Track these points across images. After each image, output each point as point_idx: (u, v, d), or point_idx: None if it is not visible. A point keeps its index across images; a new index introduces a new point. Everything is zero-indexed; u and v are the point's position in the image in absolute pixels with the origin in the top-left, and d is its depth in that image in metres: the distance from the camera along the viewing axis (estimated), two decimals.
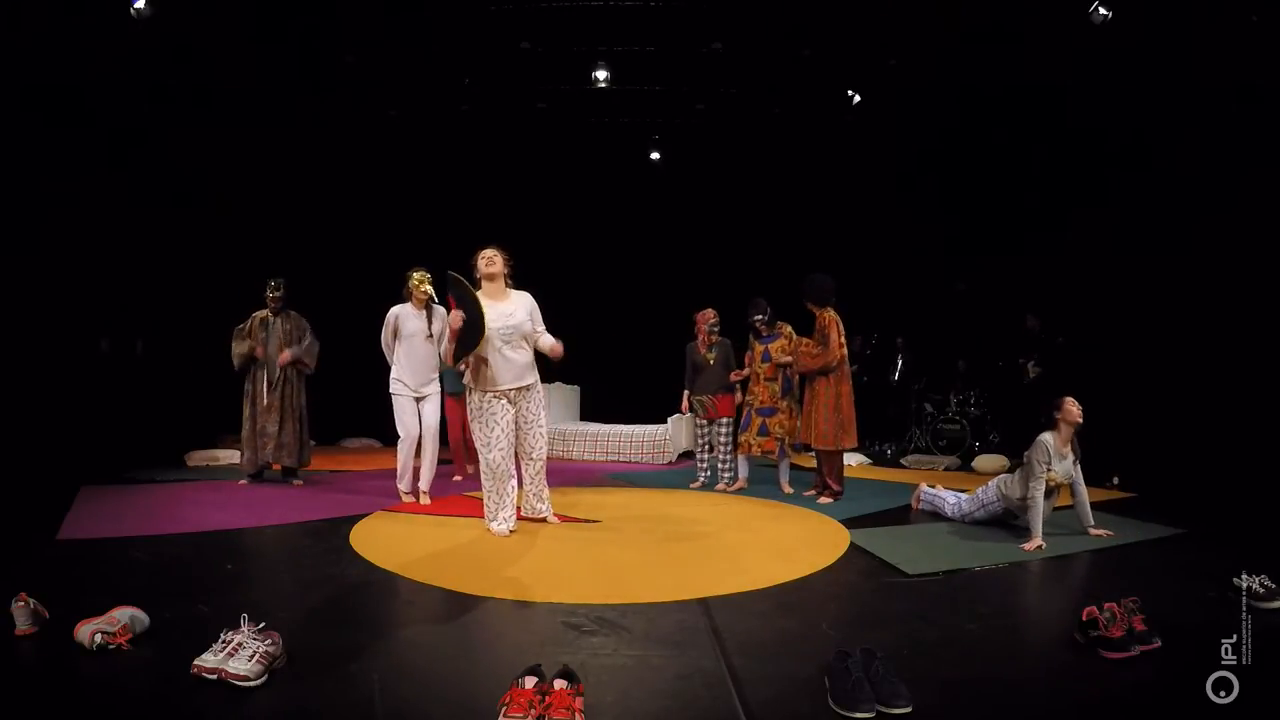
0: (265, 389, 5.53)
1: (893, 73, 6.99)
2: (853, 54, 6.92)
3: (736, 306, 5.74)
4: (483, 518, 4.14)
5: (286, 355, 5.51)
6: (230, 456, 6.85)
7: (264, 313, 5.61)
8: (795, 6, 6.28)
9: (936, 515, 4.59)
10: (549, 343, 4.09)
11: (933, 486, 4.83)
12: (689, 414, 6.03)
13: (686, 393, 5.88)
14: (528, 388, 4.08)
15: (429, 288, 4.88)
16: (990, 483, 4.28)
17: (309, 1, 6.10)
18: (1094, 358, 6.47)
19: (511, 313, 4.00)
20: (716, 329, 5.78)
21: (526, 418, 4.10)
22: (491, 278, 4.06)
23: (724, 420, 5.73)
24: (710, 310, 5.84)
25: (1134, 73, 5.86)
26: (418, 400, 4.96)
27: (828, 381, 5.03)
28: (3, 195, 5.64)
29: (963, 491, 4.58)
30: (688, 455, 7.53)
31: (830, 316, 5.05)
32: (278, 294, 5.58)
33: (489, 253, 4.08)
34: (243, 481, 5.60)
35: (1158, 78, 5.72)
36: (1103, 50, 5.80)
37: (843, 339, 5.06)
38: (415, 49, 6.89)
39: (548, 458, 4.42)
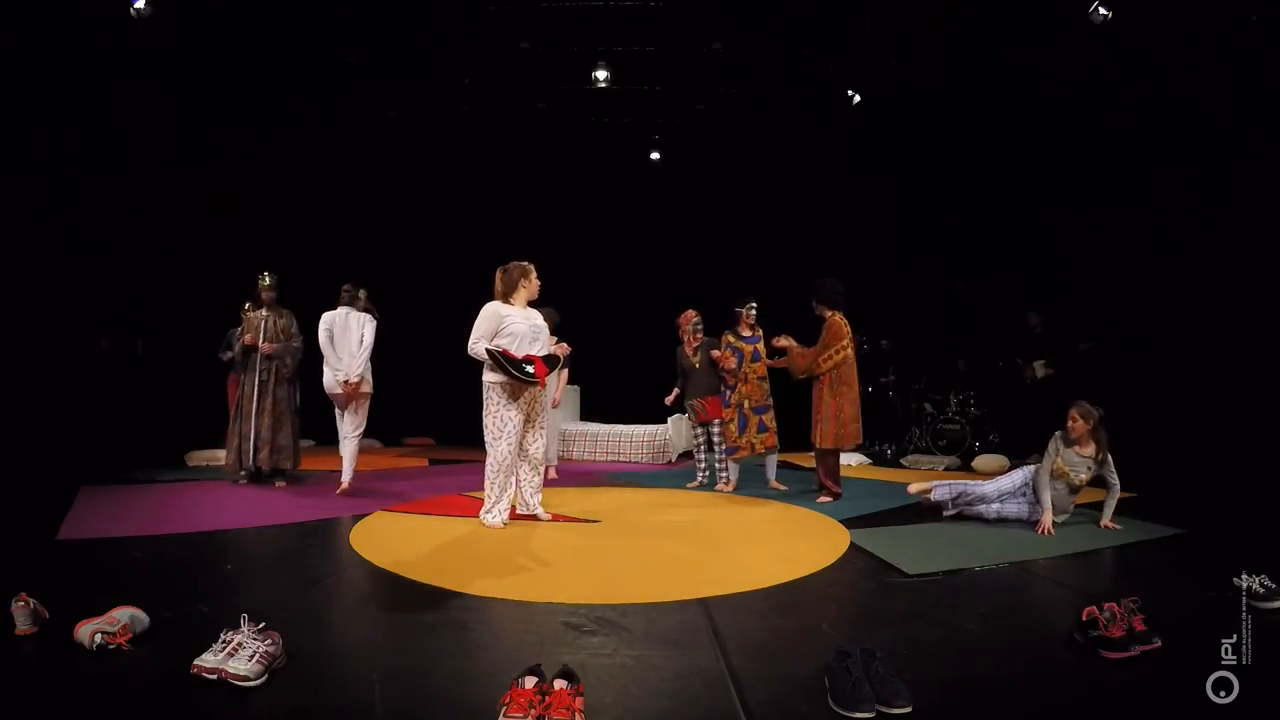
0: (255, 391, 5.50)
1: (893, 73, 6.99)
2: (853, 54, 6.93)
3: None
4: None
5: (268, 347, 5.50)
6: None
7: (258, 310, 5.60)
8: (795, 6, 6.28)
9: (959, 515, 4.42)
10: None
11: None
12: (684, 416, 6.03)
13: (676, 390, 5.88)
14: (540, 388, 4.36)
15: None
16: (1024, 468, 4.41)
17: (309, 1, 6.10)
18: (1094, 358, 6.46)
19: (535, 317, 4.41)
20: (699, 329, 5.76)
21: (531, 417, 4.35)
22: (532, 295, 4.42)
23: (717, 421, 5.72)
24: (691, 311, 5.81)
25: (1135, 72, 5.86)
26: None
27: (832, 381, 5.00)
28: (3, 195, 5.63)
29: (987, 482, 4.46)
30: (687, 455, 7.53)
31: (838, 320, 5.04)
32: (267, 286, 5.56)
33: (536, 279, 4.42)
34: (241, 482, 5.59)
35: (1158, 77, 5.72)
36: (1103, 49, 5.79)
37: (850, 342, 5.05)
38: (415, 49, 6.89)
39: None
